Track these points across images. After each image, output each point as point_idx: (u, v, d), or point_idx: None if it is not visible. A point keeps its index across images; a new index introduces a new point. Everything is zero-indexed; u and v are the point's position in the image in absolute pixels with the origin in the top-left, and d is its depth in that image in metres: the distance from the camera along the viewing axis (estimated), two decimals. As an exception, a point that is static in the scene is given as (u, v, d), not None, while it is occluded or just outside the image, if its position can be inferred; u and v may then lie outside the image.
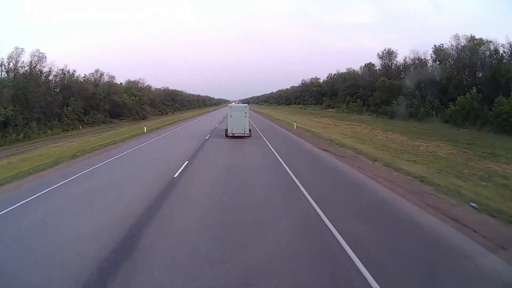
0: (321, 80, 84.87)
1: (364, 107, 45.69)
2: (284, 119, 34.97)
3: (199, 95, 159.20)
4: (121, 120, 51.66)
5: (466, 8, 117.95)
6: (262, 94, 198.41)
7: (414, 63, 48.21)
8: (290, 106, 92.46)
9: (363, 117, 41.52)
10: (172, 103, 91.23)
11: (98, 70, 52.55)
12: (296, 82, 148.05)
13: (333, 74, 74.43)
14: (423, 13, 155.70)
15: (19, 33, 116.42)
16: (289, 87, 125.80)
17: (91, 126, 44.27)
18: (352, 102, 49.51)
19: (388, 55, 53.84)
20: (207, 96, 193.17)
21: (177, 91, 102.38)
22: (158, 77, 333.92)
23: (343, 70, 68.12)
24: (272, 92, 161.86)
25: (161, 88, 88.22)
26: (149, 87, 78.86)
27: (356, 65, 75.14)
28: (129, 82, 66.28)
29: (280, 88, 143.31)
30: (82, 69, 52.17)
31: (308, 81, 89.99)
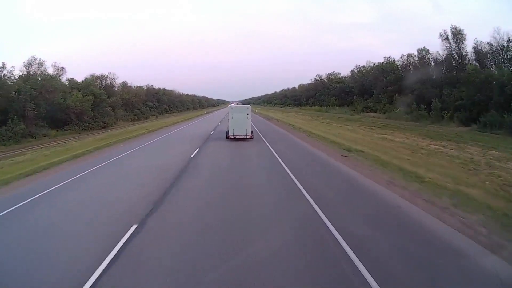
0: (342, 75, 68.26)
1: (443, 112, 28.78)
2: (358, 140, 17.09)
3: (194, 95, 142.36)
4: (66, 131, 34.82)
5: (466, 8, 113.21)
6: (263, 94, 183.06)
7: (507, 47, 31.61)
8: (302, 107, 75.60)
9: (454, 129, 24.75)
10: (158, 105, 74.31)
11: (35, 58, 35.59)
12: (300, 81, 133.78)
13: (360, 66, 57.78)
14: (423, 13, 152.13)
15: (19, 33, 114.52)
16: (296, 86, 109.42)
17: (6, 145, 27.53)
18: (418, 104, 32.51)
19: (456, 36, 37.21)
20: (204, 97, 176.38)
21: (165, 90, 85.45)
22: (157, 77, 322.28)
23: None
24: (275, 92, 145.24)
25: (143, 87, 71.45)
26: (125, 85, 62.31)
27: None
28: (93, 76, 49.44)
29: (282, 88, 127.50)
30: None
31: (324, 76, 73.17)
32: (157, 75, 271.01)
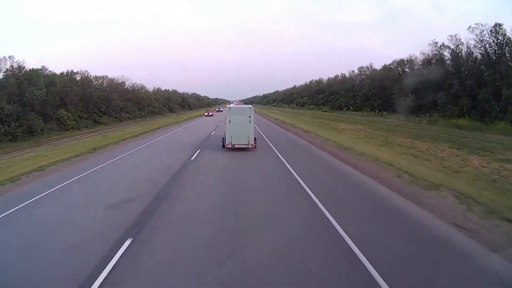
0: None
1: None
2: None
3: (175, 91, 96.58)
4: None
5: (466, 8, 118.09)
6: (273, 92, 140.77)
7: None
8: (380, 116, 29.33)
9: None
10: (20, 112, 28.00)
11: None
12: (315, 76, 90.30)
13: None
14: (423, 13, 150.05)
15: (19, 33, 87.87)
16: (339, 75, 63.19)
17: None
18: None
19: None
20: (195, 94, 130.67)
21: (70, 75, 39.08)
22: (158, 77, 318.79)
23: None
24: (294, 86, 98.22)
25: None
26: None
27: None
28: None
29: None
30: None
31: (429, 49, 26.47)
32: (158, 75, 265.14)
